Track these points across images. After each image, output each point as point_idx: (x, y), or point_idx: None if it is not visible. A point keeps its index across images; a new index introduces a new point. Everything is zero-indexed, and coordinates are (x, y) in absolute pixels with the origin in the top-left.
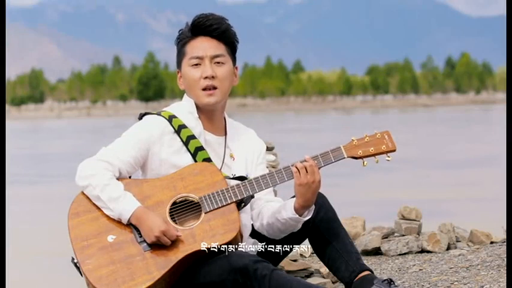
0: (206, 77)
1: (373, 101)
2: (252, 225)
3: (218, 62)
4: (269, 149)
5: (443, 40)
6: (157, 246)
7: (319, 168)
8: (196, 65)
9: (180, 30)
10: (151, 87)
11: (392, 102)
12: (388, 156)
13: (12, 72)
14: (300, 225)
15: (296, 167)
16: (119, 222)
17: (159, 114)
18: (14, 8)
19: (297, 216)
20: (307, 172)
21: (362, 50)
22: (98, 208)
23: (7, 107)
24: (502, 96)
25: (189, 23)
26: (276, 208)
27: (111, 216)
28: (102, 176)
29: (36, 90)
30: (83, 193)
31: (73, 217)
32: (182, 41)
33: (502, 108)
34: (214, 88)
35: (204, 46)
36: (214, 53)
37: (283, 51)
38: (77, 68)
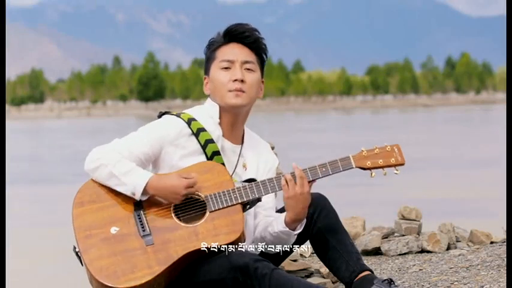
0: (235, 80)
1: (373, 101)
2: None
3: (248, 69)
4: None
5: (443, 40)
6: (160, 241)
7: (326, 176)
8: (226, 68)
9: (211, 39)
10: (151, 87)
11: (393, 102)
12: (397, 170)
13: (12, 72)
14: (292, 240)
15: (285, 179)
16: (123, 214)
17: (178, 115)
18: (14, 8)
19: (288, 229)
20: (295, 183)
21: (362, 50)
22: (103, 199)
23: (7, 107)
24: (502, 96)
25: (221, 32)
26: (269, 221)
27: (125, 192)
28: (112, 155)
29: (36, 90)
30: (88, 183)
31: (77, 206)
32: (213, 47)
33: (502, 108)
34: (242, 91)
35: (235, 51)
36: (246, 58)
37: (283, 51)
38: (77, 68)
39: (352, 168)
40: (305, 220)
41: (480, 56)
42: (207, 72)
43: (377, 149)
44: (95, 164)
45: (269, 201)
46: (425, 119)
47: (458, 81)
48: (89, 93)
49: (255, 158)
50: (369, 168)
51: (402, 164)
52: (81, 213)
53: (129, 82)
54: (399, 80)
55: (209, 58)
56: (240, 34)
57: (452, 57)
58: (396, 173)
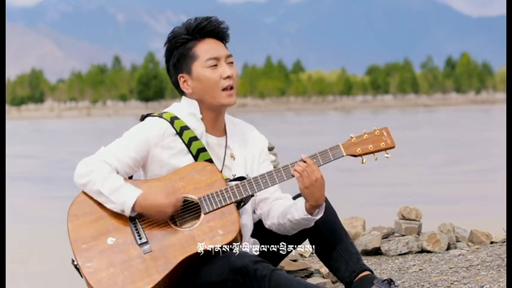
0: (227, 77)
1: (373, 101)
2: (257, 225)
3: (231, 62)
4: (269, 149)
5: (443, 40)
6: (157, 248)
7: (318, 166)
8: (213, 66)
9: (172, 36)
10: (151, 87)
11: (393, 102)
12: (387, 153)
13: (12, 72)
14: (312, 223)
15: (297, 171)
16: (118, 224)
17: (160, 116)
18: (14, 8)
19: (309, 216)
20: (308, 174)
21: (362, 50)
22: (97, 210)
23: (7, 107)
24: (502, 96)
25: (183, 28)
26: (286, 208)
27: (114, 210)
28: (101, 171)
29: (36, 90)
30: (81, 195)
31: (72, 219)
32: (187, 45)
33: (502, 109)
34: (232, 88)
35: (216, 47)
36: (227, 53)
37: (283, 51)
38: (77, 68)
39: (343, 156)
40: (324, 204)
41: (480, 56)
42: (182, 70)
43: (366, 134)
44: (83, 180)
45: None
46: (426, 119)
47: (458, 81)
48: (89, 93)
49: (242, 145)
50: (360, 155)
51: (393, 147)
52: (77, 226)
53: (129, 82)
54: (399, 80)
55: (185, 56)
56: (214, 29)
57: (452, 57)
58: (387, 157)
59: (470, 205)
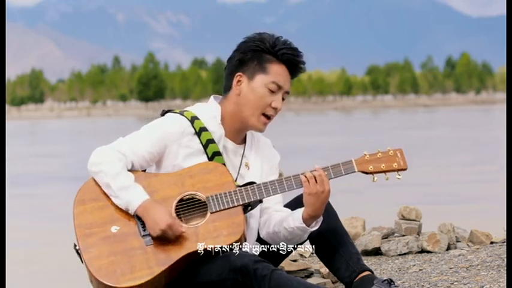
0: (275, 108)
1: (373, 101)
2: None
3: (283, 99)
4: None
5: (443, 40)
6: (159, 241)
7: (328, 179)
8: (272, 91)
9: (260, 38)
10: (151, 87)
11: (393, 102)
12: (399, 175)
13: (12, 72)
14: (306, 236)
15: (305, 176)
16: (124, 213)
17: (181, 113)
18: (14, 8)
19: (304, 225)
20: (316, 182)
21: (362, 50)
22: (105, 197)
23: (7, 107)
24: (502, 96)
25: (271, 40)
26: (283, 216)
27: (119, 205)
28: (114, 165)
29: (36, 90)
30: (91, 181)
31: (79, 204)
32: (266, 55)
33: (502, 109)
34: (270, 119)
35: (285, 78)
36: (288, 89)
37: None
38: (77, 68)
39: (355, 172)
40: (321, 218)
41: (480, 56)
42: (245, 71)
43: (380, 153)
44: (96, 168)
45: (277, 196)
46: (426, 119)
47: (458, 81)
48: (89, 93)
49: (259, 159)
50: (371, 173)
51: (405, 169)
52: (82, 211)
53: (129, 82)
54: (399, 80)
55: (259, 63)
56: (294, 63)
57: (452, 57)
58: (398, 178)
59: (470, 205)
